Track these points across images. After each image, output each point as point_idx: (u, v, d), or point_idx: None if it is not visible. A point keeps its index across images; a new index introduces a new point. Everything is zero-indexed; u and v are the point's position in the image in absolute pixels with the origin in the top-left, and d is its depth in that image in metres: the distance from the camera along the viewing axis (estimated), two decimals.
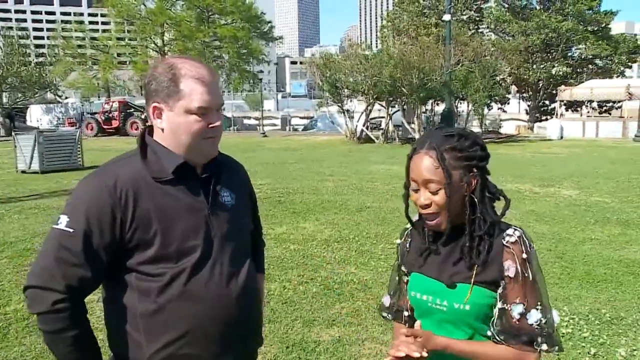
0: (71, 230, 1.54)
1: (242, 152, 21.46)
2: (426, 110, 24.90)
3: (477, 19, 37.13)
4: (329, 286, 5.36)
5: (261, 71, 37.11)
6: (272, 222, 8.14)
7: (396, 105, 25.37)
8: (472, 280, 1.55)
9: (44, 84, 48.75)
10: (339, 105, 25.34)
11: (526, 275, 1.51)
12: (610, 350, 4.05)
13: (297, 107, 57.20)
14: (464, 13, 36.21)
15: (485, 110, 25.52)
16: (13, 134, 17.81)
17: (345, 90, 24.32)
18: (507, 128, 33.58)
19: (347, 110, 25.38)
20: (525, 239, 1.55)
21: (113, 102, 37.98)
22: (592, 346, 4.09)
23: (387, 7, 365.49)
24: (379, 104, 25.32)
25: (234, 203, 1.75)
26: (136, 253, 1.59)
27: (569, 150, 20.66)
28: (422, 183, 1.56)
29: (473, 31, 35.05)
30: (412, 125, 24.33)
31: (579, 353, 4.01)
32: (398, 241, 1.83)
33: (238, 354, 1.72)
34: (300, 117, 44.96)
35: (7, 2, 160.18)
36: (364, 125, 25.23)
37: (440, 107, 24.93)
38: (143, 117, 35.86)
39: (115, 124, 35.84)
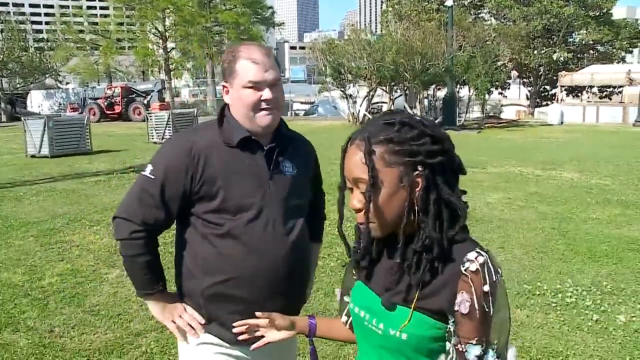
0: (152, 177, 1.89)
1: None
2: (428, 95, 25.11)
3: (479, 4, 37.19)
4: (346, 261, 5.65)
5: None
6: None
7: (398, 90, 25.56)
8: (413, 305, 1.30)
9: (44, 70, 48.84)
10: (341, 90, 25.52)
11: (487, 310, 1.24)
12: (610, 317, 4.36)
13: (298, 92, 57.30)
14: None
15: (487, 96, 25.70)
16: (23, 118, 18.05)
17: (349, 75, 24.50)
18: (508, 113, 33.77)
19: (350, 95, 25.57)
20: (490, 266, 1.26)
21: (115, 87, 38.07)
22: (595, 313, 4.40)
23: None
24: (381, 89, 25.51)
25: (294, 173, 1.97)
26: (202, 203, 1.89)
27: (570, 135, 20.91)
28: (353, 182, 1.33)
29: (474, 16, 35.15)
30: (415, 110, 24.56)
31: (582, 319, 4.32)
32: (353, 244, 1.50)
33: (279, 305, 1.87)
34: (301, 103, 45.04)
35: None
36: (366, 110, 25.45)
37: (442, 92, 25.11)
38: (145, 102, 36.09)
39: (117, 109, 35.98)
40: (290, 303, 1.95)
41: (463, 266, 1.26)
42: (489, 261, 1.26)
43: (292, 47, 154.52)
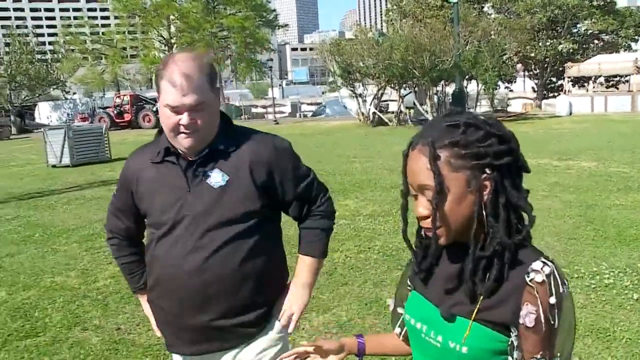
0: (115, 193, 2.13)
1: None
2: (437, 91, 25.33)
3: None
4: (387, 253, 5.90)
5: (271, 59, 37.48)
6: None
7: (407, 88, 25.78)
8: (474, 315, 1.25)
9: (51, 81, 49.27)
10: (351, 90, 25.77)
11: (552, 323, 1.20)
12: None
13: (303, 93, 57.56)
14: None
15: (495, 90, 25.91)
16: (43, 129, 18.38)
17: (357, 74, 24.74)
18: (514, 106, 33.93)
19: (360, 95, 25.81)
20: (557, 276, 1.21)
21: (124, 95, 38.45)
22: (635, 292, 4.60)
23: None
24: (390, 87, 25.75)
25: (225, 184, 1.87)
26: (146, 217, 2.05)
27: (580, 125, 21.07)
28: (418, 189, 1.27)
29: (478, 11, 35.29)
30: (424, 107, 24.76)
31: (623, 299, 4.53)
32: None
33: (203, 320, 1.92)
34: (308, 104, 45.36)
35: (5, 0, 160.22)
36: (376, 109, 25.67)
37: (450, 88, 25.33)
38: (154, 109, 36.44)
39: (127, 117, 36.34)
40: (218, 318, 1.91)
41: (528, 276, 1.20)
42: (555, 272, 1.21)
43: (294, 49, 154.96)
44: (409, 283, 1.47)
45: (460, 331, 1.26)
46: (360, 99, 25.87)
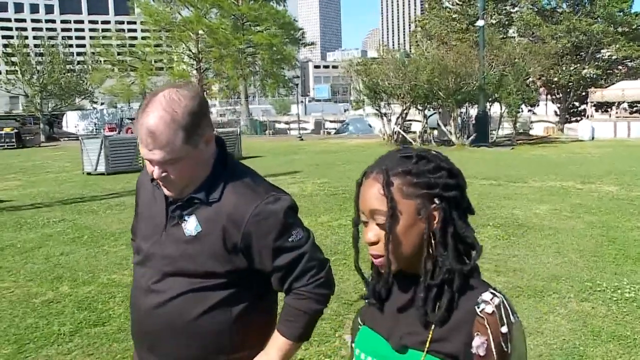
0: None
1: (284, 154, 22.53)
2: (461, 113, 25.73)
3: (506, 22, 37.79)
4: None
5: (297, 76, 38.25)
6: (349, 213, 9.10)
7: (431, 109, 26.21)
8: (427, 347, 1.26)
9: (80, 91, 50.54)
10: (376, 109, 26.28)
11: (505, 350, 1.23)
12: None
13: (326, 110, 58.24)
14: (492, 17, 36.90)
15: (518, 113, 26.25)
16: (80, 138, 19.09)
17: (383, 94, 25.26)
18: (536, 130, 34.16)
19: (385, 114, 26.31)
20: (506, 307, 1.25)
21: None
22: None
23: (409, 10, 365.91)
24: (415, 107, 26.21)
25: (195, 236, 1.73)
26: None
27: (602, 150, 21.27)
28: (369, 214, 1.30)
29: (502, 35, 35.71)
30: (448, 128, 25.15)
31: None
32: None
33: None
34: (330, 121, 45.97)
35: (38, 12, 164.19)
36: (400, 128, 26.12)
37: (474, 110, 25.71)
38: None
39: None
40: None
41: (478, 307, 1.24)
42: (504, 302, 1.25)
43: (316, 67, 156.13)
44: (359, 321, 1.46)
45: None
46: (385, 118, 26.36)
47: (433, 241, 1.27)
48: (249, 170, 1.84)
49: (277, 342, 1.77)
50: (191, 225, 1.73)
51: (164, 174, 1.67)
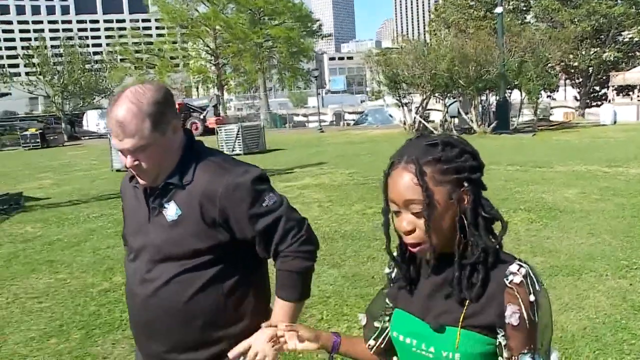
0: None
1: (308, 147, 22.71)
2: (482, 100, 25.73)
3: (524, 8, 37.56)
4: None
5: (316, 69, 38.37)
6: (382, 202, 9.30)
7: (451, 97, 26.26)
8: (460, 322, 1.33)
9: (101, 90, 51.15)
10: (397, 99, 26.38)
11: (533, 319, 1.29)
12: None
13: (343, 102, 58.25)
14: (510, 3, 36.70)
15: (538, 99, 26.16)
16: (216, 127, 20.70)
17: (404, 84, 25.35)
18: (556, 115, 33.97)
19: (406, 104, 26.40)
20: (532, 276, 1.32)
21: None
22: None
23: (423, 0, 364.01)
24: (435, 96, 26.26)
25: (177, 219, 1.83)
26: None
27: (626, 134, 21.16)
28: (403, 204, 1.34)
29: (521, 22, 35.52)
30: (469, 116, 25.18)
31: None
32: (386, 270, 1.59)
33: (147, 353, 1.95)
34: (349, 113, 46.02)
35: (55, 13, 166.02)
36: (421, 117, 26.21)
37: (494, 97, 25.69)
38: (202, 117, 37.70)
39: None
40: (168, 351, 1.89)
41: (507, 279, 1.30)
42: (530, 272, 1.32)
43: (331, 58, 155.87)
44: (387, 302, 1.55)
45: (450, 340, 1.33)
46: (405, 108, 26.46)
47: (465, 222, 1.33)
48: (216, 151, 1.96)
49: (281, 307, 1.86)
50: (171, 211, 1.82)
51: (135, 162, 1.77)
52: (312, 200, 10.21)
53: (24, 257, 7.35)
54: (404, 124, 26.65)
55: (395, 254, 1.48)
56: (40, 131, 37.34)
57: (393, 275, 1.54)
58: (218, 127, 21.78)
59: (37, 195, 12.76)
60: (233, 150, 19.79)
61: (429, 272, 1.38)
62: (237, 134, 19.91)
